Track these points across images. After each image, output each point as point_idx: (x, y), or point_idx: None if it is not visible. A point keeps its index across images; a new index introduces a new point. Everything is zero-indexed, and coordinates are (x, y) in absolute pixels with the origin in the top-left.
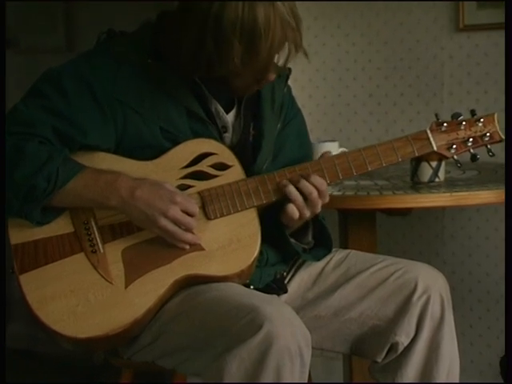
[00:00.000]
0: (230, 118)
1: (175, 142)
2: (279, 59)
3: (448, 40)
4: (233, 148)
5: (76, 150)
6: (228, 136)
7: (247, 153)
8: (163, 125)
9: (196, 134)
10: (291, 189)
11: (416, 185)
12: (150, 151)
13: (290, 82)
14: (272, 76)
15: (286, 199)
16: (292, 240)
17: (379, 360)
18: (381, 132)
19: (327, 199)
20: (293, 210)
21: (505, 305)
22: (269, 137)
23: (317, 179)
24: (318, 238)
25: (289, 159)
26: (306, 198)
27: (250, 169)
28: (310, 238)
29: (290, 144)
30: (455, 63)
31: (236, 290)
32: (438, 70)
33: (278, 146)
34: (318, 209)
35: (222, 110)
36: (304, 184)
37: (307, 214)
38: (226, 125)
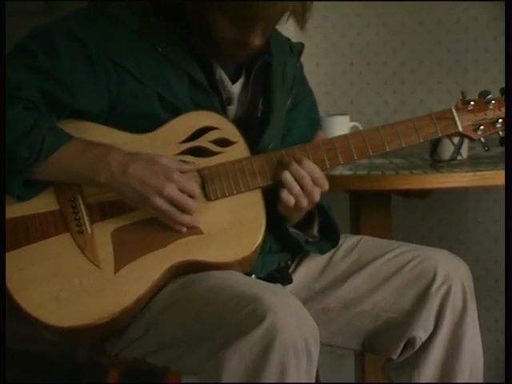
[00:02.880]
0: (235, 88)
1: (174, 113)
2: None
3: (473, 1)
4: (236, 122)
5: (64, 118)
6: (232, 109)
7: (254, 129)
8: (162, 92)
9: (197, 105)
10: (286, 175)
11: (436, 163)
12: (145, 122)
13: None
14: (256, 40)
15: (280, 186)
16: (293, 230)
17: (394, 357)
18: (397, 104)
19: (326, 187)
20: (288, 197)
21: (505, 304)
22: (278, 112)
23: (308, 165)
24: (324, 230)
25: (298, 141)
26: (298, 184)
27: (255, 146)
28: (315, 231)
29: (299, 125)
30: (480, 27)
31: (237, 279)
32: (462, 34)
33: (287, 127)
34: (316, 198)
35: (227, 79)
36: (295, 168)
37: (304, 203)
38: (230, 96)
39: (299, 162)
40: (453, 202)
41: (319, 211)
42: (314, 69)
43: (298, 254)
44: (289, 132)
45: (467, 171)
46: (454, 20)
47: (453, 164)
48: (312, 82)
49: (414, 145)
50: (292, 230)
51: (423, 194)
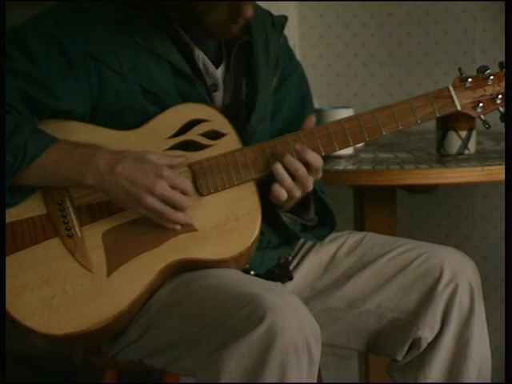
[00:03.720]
0: (219, 73)
1: (160, 105)
2: None
3: (475, 1)
4: (225, 109)
5: (46, 119)
6: (219, 95)
7: (241, 113)
8: (144, 84)
9: (182, 95)
10: (278, 167)
11: (442, 158)
12: (131, 117)
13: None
14: (248, 11)
15: (272, 178)
16: (289, 217)
17: (399, 358)
18: (402, 96)
19: (320, 174)
20: (279, 191)
21: (505, 304)
22: (264, 93)
23: (311, 155)
24: (319, 215)
25: (289, 119)
26: (292, 176)
27: (243, 130)
28: (312, 214)
29: (289, 102)
30: (489, 16)
31: (234, 277)
32: (469, 24)
33: (277, 105)
34: (310, 187)
35: (210, 65)
36: (289, 160)
37: (297, 193)
38: (216, 82)
39: (301, 153)
40: (460, 197)
41: (313, 195)
42: (317, 60)
43: (302, 245)
44: (279, 110)
45: (475, 166)
46: (461, 10)
47: (460, 159)
48: (315, 74)
49: (416, 134)
50: (287, 219)
51: (429, 189)
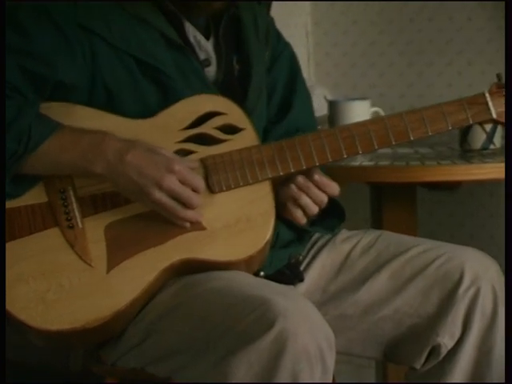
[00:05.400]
0: (209, 47)
1: (157, 80)
2: None
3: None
4: (219, 85)
5: (49, 102)
6: (211, 70)
7: (235, 90)
8: (137, 54)
9: (179, 67)
10: (306, 200)
11: (466, 153)
12: (128, 94)
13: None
14: None
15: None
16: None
17: (418, 366)
18: (422, 87)
19: None
20: (303, 217)
21: (505, 305)
22: (257, 66)
23: (332, 186)
24: (328, 207)
25: (281, 101)
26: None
27: (241, 107)
28: None
29: (281, 83)
30: None
31: (243, 280)
32: (494, 11)
33: (270, 87)
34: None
35: (203, 38)
36: (315, 192)
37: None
38: (208, 56)
39: (322, 185)
40: (484, 195)
41: None
42: (332, 49)
43: (313, 244)
44: (272, 94)
45: (501, 162)
46: None
47: (484, 154)
48: (329, 64)
49: (441, 133)
50: None
51: (452, 186)
